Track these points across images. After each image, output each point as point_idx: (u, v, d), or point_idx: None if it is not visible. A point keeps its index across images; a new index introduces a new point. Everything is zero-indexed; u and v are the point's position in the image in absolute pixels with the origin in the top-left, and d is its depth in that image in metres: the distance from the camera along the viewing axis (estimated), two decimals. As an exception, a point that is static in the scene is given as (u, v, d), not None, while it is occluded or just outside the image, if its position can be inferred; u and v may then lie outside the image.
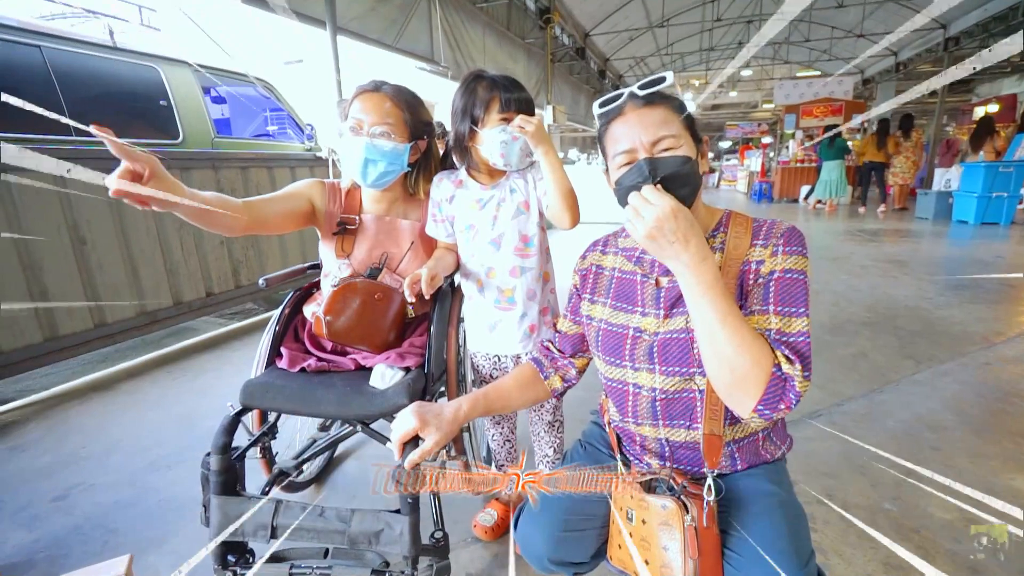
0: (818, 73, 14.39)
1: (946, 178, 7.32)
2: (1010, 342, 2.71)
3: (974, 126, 7.74)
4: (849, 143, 8.96)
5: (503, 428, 1.42)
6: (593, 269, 0.98)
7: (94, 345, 2.50)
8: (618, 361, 0.88)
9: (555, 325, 1.07)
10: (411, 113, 1.22)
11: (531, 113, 1.16)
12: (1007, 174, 6.35)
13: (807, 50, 13.25)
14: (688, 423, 0.84)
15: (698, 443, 0.84)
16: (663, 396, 0.84)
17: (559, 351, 1.04)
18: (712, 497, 0.78)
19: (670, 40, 12.58)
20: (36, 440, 1.99)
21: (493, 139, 1.14)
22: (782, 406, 0.70)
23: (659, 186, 0.74)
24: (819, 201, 8.96)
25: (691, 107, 0.84)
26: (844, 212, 8.58)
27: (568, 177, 1.18)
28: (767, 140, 16.71)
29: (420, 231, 1.32)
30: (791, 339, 0.73)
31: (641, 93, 0.81)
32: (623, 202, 0.78)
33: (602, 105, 0.85)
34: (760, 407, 0.70)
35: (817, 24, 11.35)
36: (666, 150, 0.78)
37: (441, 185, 1.28)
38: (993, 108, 10.51)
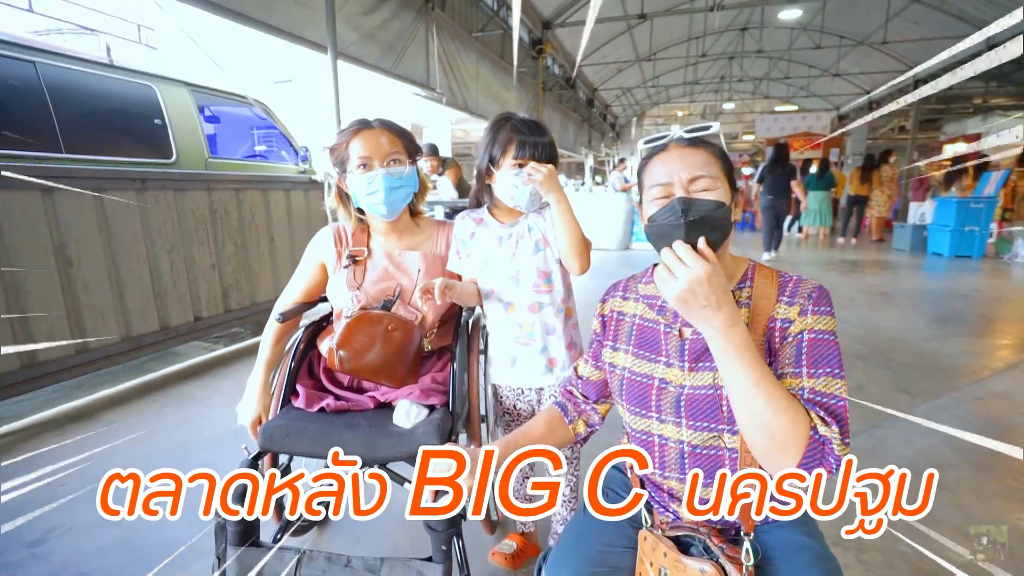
0: (796, 108, 14.96)
1: (921, 212, 7.60)
2: (997, 376, 2.78)
3: (946, 163, 8.10)
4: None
5: (523, 469, 1.38)
6: (614, 316, 0.97)
7: (75, 372, 2.38)
8: (644, 412, 0.87)
9: (576, 368, 1.06)
10: (406, 139, 1.29)
11: (552, 158, 1.20)
12: (977, 209, 6.63)
13: (786, 86, 13.80)
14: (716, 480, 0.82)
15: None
16: (691, 449, 0.82)
17: (583, 396, 1.03)
18: (751, 562, 0.75)
19: (656, 73, 12.97)
20: (9, 475, 1.86)
21: (505, 181, 1.20)
22: (821, 470, 0.68)
23: (696, 242, 0.72)
24: (800, 228, 9.24)
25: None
26: (825, 242, 8.82)
27: (579, 225, 1.23)
28: (748, 171, 17.19)
29: (431, 260, 1.33)
30: (826, 400, 0.71)
31: (687, 136, 0.84)
32: (654, 242, 0.77)
33: (648, 142, 0.88)
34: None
35: (796, 63, 11.86)
36: (703, 190, 0.78)
37: (464, 223, 1.31)
38: (961, 147, 11.04)
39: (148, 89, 3.05)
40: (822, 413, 0.69)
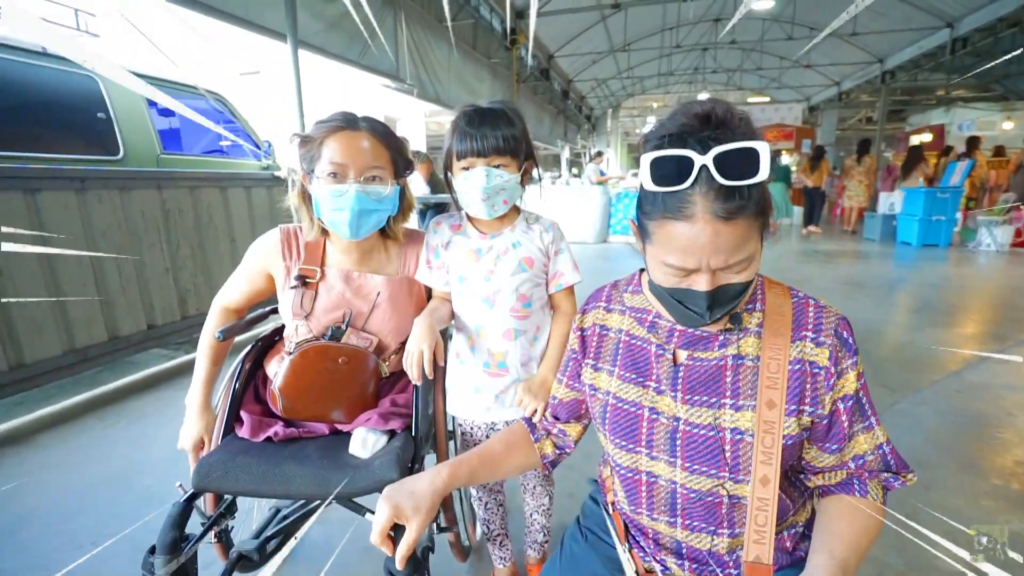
0: (768, 99, 15.13)
1: (890, 202, 7.74)
2: (972, 368, 2.78)
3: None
4: (791, 166, 9.34)
5: (496, 496, 1.27)
6: (596, 330, 0.84)
7: (7, 391, 2.17)
8: (632, 446, 0.76)
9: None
10: (396, 151, 1.08)
11: (514, 152, 1.01)
12: (944, 199, 6.77)
13: (758, 77, 13.91)
14: (713, 528, 0.73)
15: (720, 554, 0.74)
16: (684, 491, 0.72)
17: (552, 417, 0.92)
18: None
19: (631, 64, 12.91)
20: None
21: (457, 186, 1.04)
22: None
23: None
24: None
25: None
26: (795, 233, 8.89)
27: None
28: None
29: (396, 284, 1.14)
30: (892, 450, 0.73)
31: (722, 182, 0.58)
32: (666, 305, 0.71)
33: (661, 180, 0.62)
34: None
35: (768, 54, 11.95)
36: (735, 272, 0.64)
37: (439, 229, 1.14)
38: (927, 137, 11.30)
39: (89, 80, 2.81)
40: (885, 475, 0.72)
